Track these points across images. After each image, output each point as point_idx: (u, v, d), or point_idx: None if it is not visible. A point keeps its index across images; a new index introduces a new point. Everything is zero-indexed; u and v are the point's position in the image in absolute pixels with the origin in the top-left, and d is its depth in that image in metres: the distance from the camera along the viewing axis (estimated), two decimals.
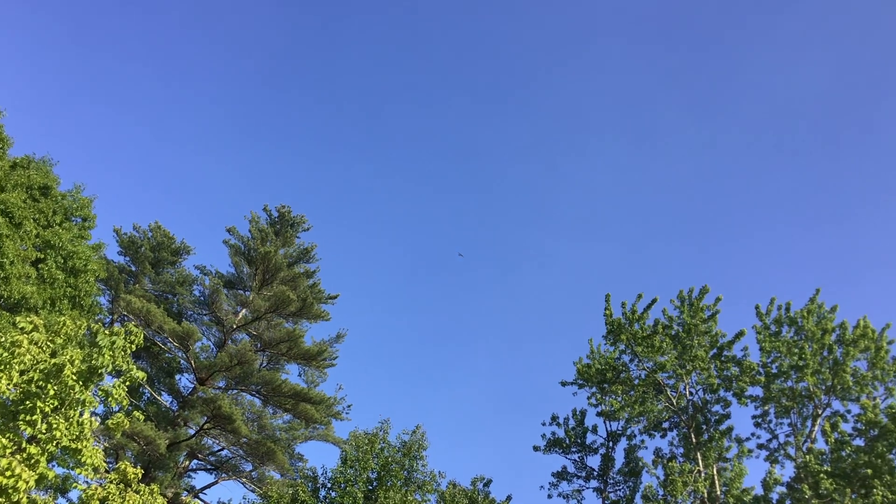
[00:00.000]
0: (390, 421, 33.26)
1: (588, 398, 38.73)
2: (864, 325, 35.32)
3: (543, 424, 39.28)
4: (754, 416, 36.91)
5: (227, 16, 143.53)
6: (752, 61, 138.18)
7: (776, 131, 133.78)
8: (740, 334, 36.51)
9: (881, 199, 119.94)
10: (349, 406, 41.85)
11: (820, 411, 35.37)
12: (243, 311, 41.79)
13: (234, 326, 41.20)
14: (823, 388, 35.26)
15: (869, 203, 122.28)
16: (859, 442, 32.93)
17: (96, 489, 20.41)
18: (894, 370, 34.74)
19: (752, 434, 36.78)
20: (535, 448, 38.47)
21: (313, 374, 43.20)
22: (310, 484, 33.85)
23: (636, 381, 37.86)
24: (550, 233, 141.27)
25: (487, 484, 36.85)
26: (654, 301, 36.73)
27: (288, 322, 42.77)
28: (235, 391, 40.99)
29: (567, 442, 38.59)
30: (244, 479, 40.62)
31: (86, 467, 17.67)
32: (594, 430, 38.77)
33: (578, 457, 38.50)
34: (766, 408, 36.66)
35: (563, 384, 39.08)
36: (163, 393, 41.23)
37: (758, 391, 36.46)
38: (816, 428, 35.23)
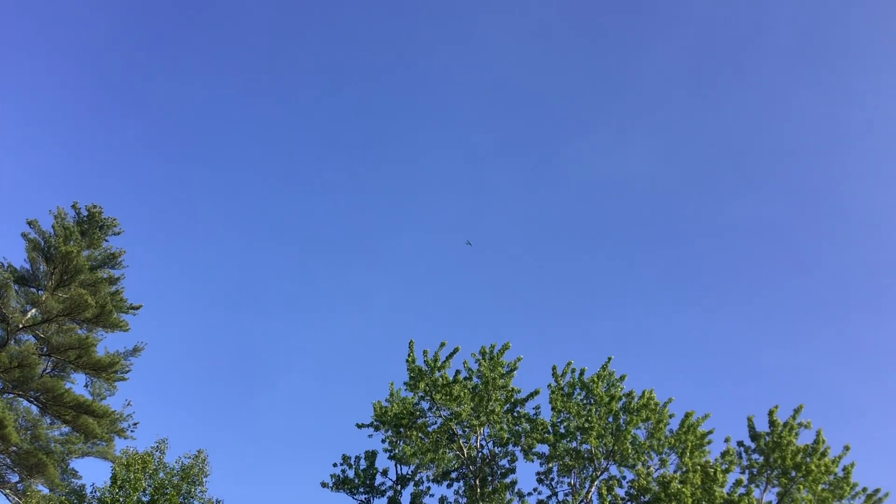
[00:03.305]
0: (168, 441, 33.79)
1: (382, 440, 40.55)
2: (649, 397, 39.05)
3: (335, 465, 40.66)
4: (538, 473, 39.85)
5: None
6: (585, 138, 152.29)
7: (598, 208, 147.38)
8: (535, 393, 39.69)
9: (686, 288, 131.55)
10: (136, 424, 41.82)
11: (598, 473, 38.69)
12: (33, 310, 41.04)
13: (21, 326, 40.36)
14: (604, 451, 38.65)
15: (676, 289, 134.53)
16: None
17: None
18: (670, 442, 38.54)
19: (535, 489, 39.67)
20: (324, 485, 39.73)
21: (102, 386, 42.81)
22: (76, 501, 33.74)
23: (431, 429, 40.09)
24: (374, 276, 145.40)
25: None
26: (455, 350, 39.27)
27: (82, 328, 42.34)
28: (11, 395, 40.06)
29: (356, 482, 40.08)
30: (7, 490, 39.57)
31: None
32: (384, 472, 40.49)
33: (365, 498, 40.05)
34: (551, 465, 39.68)
35: (360, 426, 40.74)
36: None
37: (545, 449, 39.51)
38: (593, 489, 38.50)
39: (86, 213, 43.82)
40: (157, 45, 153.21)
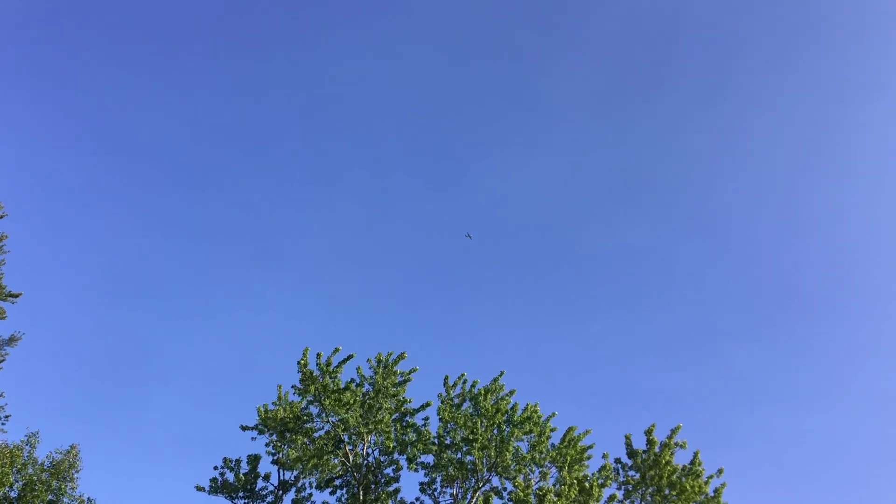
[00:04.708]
0: (39, 435, 32.92)
1: (266, 444, 40.43)
2: (533, 411, 40.17)
3: (215, 469, 40.30)
4: (422, 483, 40.47)
5: None
6: (491, 154, 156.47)
7: (498, 222, 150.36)
8: (426, 404, 40.44)
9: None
10: (7, 416, 40.32)
11: (481, 485, 39.56)
12: None
13: None
14: (487, 463, 39.54)
15: (566, 307, 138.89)
16: None
17: None
18: (551, 456, 39.75)
19: (417, 499, 40.23)
20: (199, 488, 39.33)
21: None
22: None
23: (318, 434, 40.22)
24: (273, 279, 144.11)
25: None
26: (349, 357, 39.59)
27: None
28: None
29: (237, 486, 39.82)
30: None
31: None
32: (266, 477, 40.40)
33: (245, 503, 39.82)
34: (435, 476, 40.36)
35: (244, 428, 40.51)
36: None
37: (430, 459, 40.16)
38: (474, 500, 39.34)
39: None
40: (57, 29, 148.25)
